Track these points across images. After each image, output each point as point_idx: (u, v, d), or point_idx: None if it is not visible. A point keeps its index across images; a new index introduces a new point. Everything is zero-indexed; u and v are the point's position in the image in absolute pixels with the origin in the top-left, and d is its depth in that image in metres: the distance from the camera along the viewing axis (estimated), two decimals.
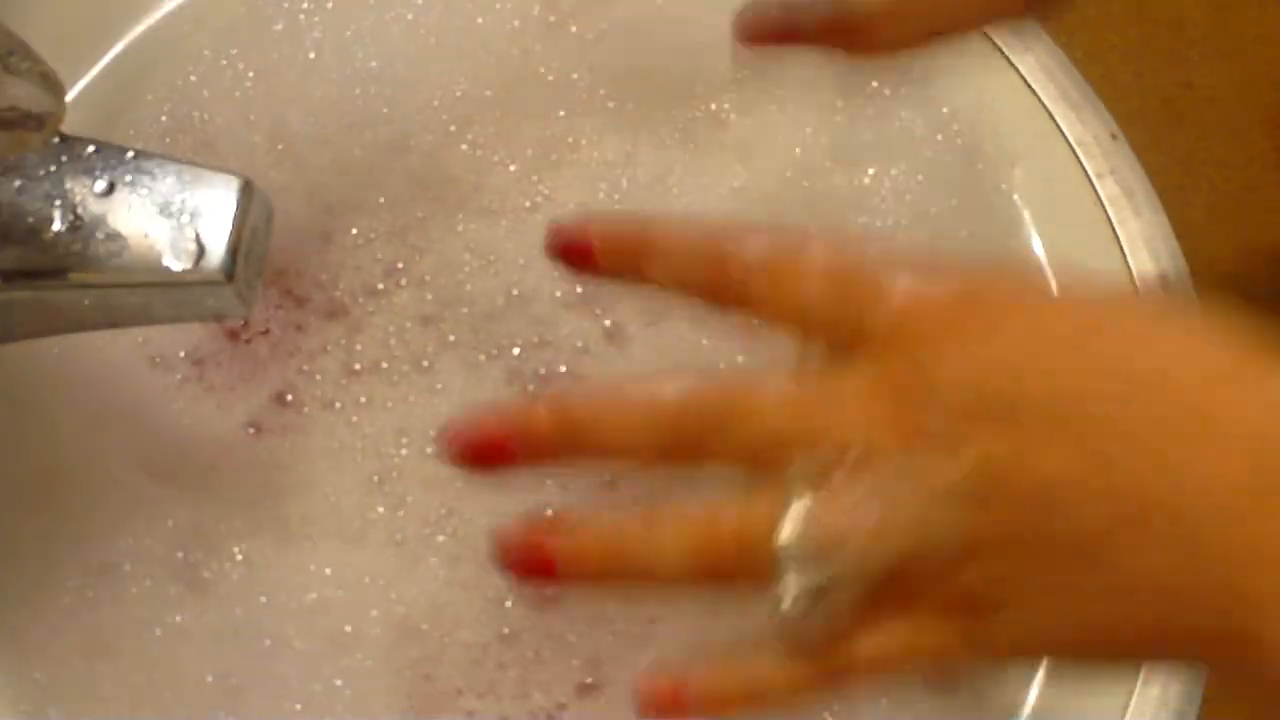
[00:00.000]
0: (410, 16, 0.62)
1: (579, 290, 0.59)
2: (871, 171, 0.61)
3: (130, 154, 0.48)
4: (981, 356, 0.31)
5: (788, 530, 0.31)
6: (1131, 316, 0.33)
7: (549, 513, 0.36)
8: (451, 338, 0.59)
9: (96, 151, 0.47)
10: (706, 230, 0.35)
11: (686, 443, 0.33)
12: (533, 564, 0.35)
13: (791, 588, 0.31)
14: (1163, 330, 0.32)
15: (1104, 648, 0.33)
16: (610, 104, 0.62)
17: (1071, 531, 0.30)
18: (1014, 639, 0.32)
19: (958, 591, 0.32)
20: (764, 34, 0.44)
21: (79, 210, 0.47)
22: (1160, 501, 0.30)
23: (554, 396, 0.35)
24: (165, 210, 0.47)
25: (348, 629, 0.53)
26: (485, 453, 0.34)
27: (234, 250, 0.46)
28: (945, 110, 0.61)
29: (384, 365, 0.58)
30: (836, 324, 0.33)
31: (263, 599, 0.53)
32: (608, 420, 0.34)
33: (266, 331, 0.59)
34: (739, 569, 0.33)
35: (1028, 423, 0.30)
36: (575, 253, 0.36)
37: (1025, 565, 0.31)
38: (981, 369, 0.31)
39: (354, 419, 0.57)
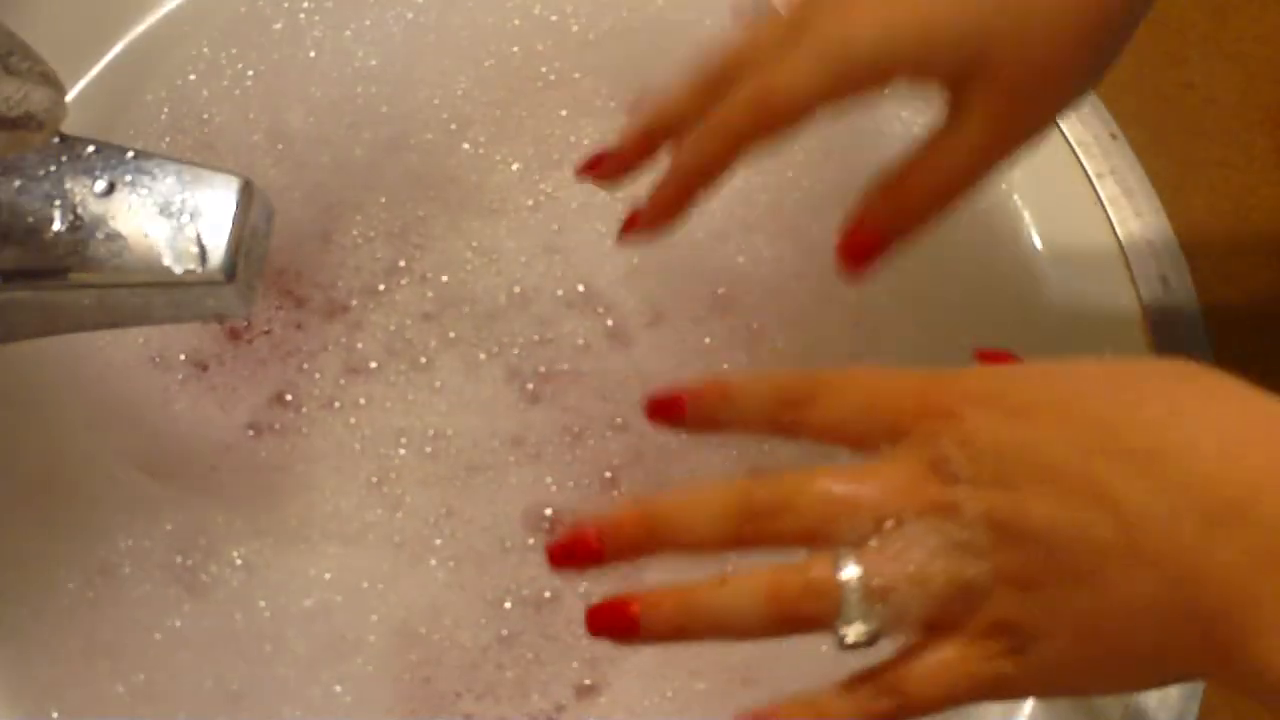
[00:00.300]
0: (410, 16, 0.62)
1: (580, 289, 0.59)
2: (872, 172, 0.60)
3: (130, 154, 0.48)
4: (979, 428, 0.38)
5: (844, 584, 0.38)
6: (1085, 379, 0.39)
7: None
8: (452, 335, 0.59)
9: (96, 151, 0.47)
10: (767, 386, 0.42)
11: (750, 531, 0.40)
12: (617, 621, 0.40)
13: (853, 630, 0.38)
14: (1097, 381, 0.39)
15: (1124, 672, 0.38)
16: (611, 103, 0.62)
17: (1069, 565, 0.36)
18: (1048, 664, 0.38)
19: (994, 622, 0.38)
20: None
21: (79, 210, 0.47)
22: (1146, 530, 0.35)
23: (636, 500, 0.41)
24: (165, 210, 0.47)
25: (347, 633, 0.53)
26: (581, 556, 0.41)
27: (234, 250, 0.46)
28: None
29: (384, 365, 0.58)
30: (871, 434, 0.40)
31: (262, 603, 0.53)
32: (682, 518, 0.40)
33: (268, 331, 0.58)
34: (805, 617, 0.39)
35: (1020, 475, 0.37)
36: (668, 411, 0.43)
37: (1043, 598, 0.37)
38: (980, 436, 0.38)
39: (353, 420, 0.57)
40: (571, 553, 0.41)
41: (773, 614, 0.39)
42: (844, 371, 0.41)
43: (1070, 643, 0.37)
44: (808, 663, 0.45)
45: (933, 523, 0.38)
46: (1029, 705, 0.51)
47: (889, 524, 0.38)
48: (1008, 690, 0.39)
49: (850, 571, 0.38)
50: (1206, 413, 0.37)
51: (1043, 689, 0.43)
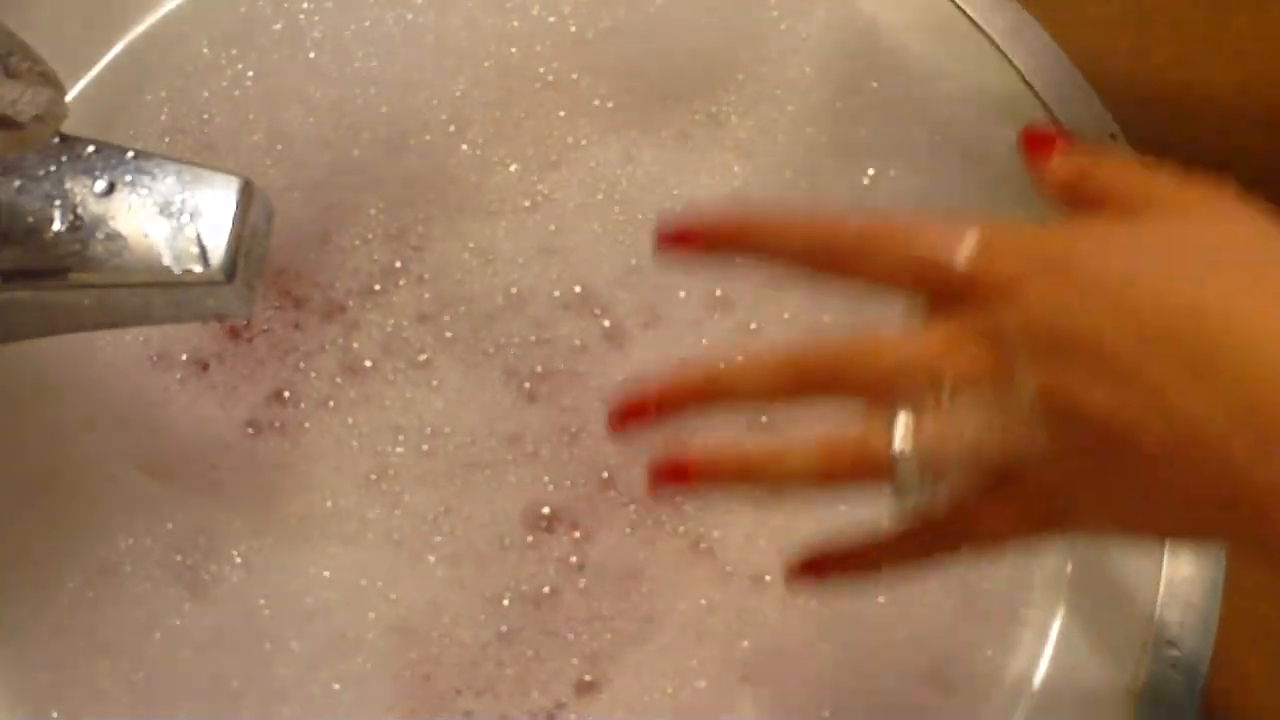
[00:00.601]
0: (410, 16, 0.62)
1: (577, 290, 0.59)
2: (871, 171, 0.61)
3: (130, 154, 0.48)
4: (1040, 304, 0.38)
5: (899, 443, 0.39)
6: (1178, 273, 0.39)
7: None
8: (449, 336, 0.59)
9: (96, 151, 0.48)
10: (806, 211, 0.42)
11: (809, 382, 0.41)
12: (673, 468, 0.42)
13: (905, 499, 0.40)
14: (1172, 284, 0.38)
15: (1156, 534, 0.43)
16: (610, 104, 0.62)
17: (1115, 455, 0.38)
18: (1086, 524, 0.41)
19: (1041, 488, 0.40)
20: None
21: (79, 210, 0.47)
22: (1196, 441, 0.36)
23: (695, 358, 0.42)
24: (165, 210, 0.47)
25: (347, 631, 0.53)
26: (641, 411, 0.42)
27: (234, 250, 0.47)
28: (945, 110, 0.61)
29: (381, 364, 0.58)
30: (927, 279, 0.40)
31: (261, 601, 0.53)
32: (741, 373, 0.41)
33: (267, 330, 0.59)
34: (857, 472, 0.40)
35: (1079, 361, 0.37)
36: (680, 235, 0.43)
37: (1091, 476, 0.38)
38: (1041, 314, 0.38)
39: (350, 420, 0.57)
40: (631, 409, 0.42)
41: (827, 480, 0.41)
42: (891, 224, 0.41)
43: (1110, 514, 0.40)
44: (809, 663, 0.45)
45: (987, 394, 0.39)
46: (1049, 655, 0.52)
47: (945, 392, 0.39)
48: (1049, 539, 0.42)
49: (905, 443, 0.39)
50: (1272, 313, 0.37)
51: (1081, 536, 0.46)
